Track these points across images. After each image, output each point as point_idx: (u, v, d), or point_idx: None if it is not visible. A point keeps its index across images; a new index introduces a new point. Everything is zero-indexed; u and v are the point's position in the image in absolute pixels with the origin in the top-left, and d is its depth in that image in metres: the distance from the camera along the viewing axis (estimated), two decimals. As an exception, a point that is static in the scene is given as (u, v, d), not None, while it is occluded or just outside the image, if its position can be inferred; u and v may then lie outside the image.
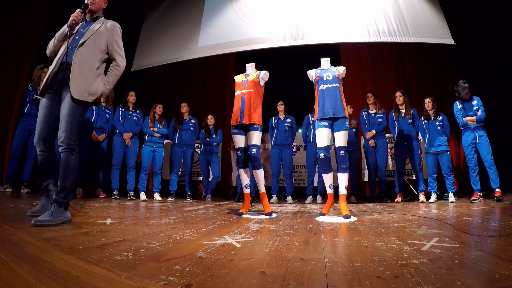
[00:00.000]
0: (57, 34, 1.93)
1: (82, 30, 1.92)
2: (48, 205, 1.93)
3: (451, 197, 3.66)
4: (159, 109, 4.36)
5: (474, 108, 3.67)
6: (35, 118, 3.56)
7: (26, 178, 3.64)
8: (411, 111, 4.09)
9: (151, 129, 4.25)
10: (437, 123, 3.88)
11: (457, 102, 3.81)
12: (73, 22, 1.84)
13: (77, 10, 1.86)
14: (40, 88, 1.89)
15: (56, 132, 1.84)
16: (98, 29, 1.93)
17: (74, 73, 1.80)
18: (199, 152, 4.94)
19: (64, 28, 1.89)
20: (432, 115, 3.91)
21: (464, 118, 3.71)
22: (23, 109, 3.75)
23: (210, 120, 4.65)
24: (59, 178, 1.80)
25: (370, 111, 4.30)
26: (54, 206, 1.74)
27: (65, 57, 1.82)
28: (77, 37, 1.88)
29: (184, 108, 4.54)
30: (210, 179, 4.60)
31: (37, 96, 3.45)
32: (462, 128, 3.78)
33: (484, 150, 3.56)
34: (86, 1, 1.95)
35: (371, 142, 4.20)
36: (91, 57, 1.87)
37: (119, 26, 2.05)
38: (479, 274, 0.94)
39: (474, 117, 3.63)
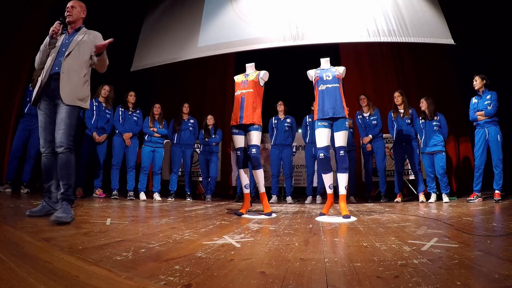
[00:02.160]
0: (42, 47, 2.02)
1: (66, 41, 2.02)
2: (48, 206, 1.96)
3: (445, 198, 3.66)
4: (156, 109, 4.36)
5: (486, 103, 3.55)
6: (35, 118, 3.62)
7: (26, 178, 3.65)
8: (410, 111, 4.08)
9: (151, 129, 4.25)
10: (434, 123, 3.86)
11: (473, 98, 3.72)
12: (53, 32, 1.94)
13: (56, 22, 1.95)
14: (33, 97, 1.98)
15: None
16: (82, 39, 2.03)
17: (63, 82, 1.90)
18: (198, 152, 4.94)
19: (47, 40, 1.99)
20: (428, 115, 3.90)
21: (476, 113, 3.62)
22: (23, 109, 3.76)
23: (210, 120, 4.65)
24: (61, 178, 1.89)
25: (364, 114, 4.30)
26: (65, 204, 1.84)
27: (56, 68, 1.93)
28: (63, 49, 1.98)
29: (187, 108, 4.56)
30: (209, 179, 4.60)
31: None
32: (474, 124, 3.68)
33: (492, 149, 3.46)
34: (65, 14, 2.04)
35: (368, 146, 4.26)
36: (78, 65, 1.98)
37: (101, 35, 2.15)
38: (479, 274, 0.94)
39: (483, 112, 3.54)
